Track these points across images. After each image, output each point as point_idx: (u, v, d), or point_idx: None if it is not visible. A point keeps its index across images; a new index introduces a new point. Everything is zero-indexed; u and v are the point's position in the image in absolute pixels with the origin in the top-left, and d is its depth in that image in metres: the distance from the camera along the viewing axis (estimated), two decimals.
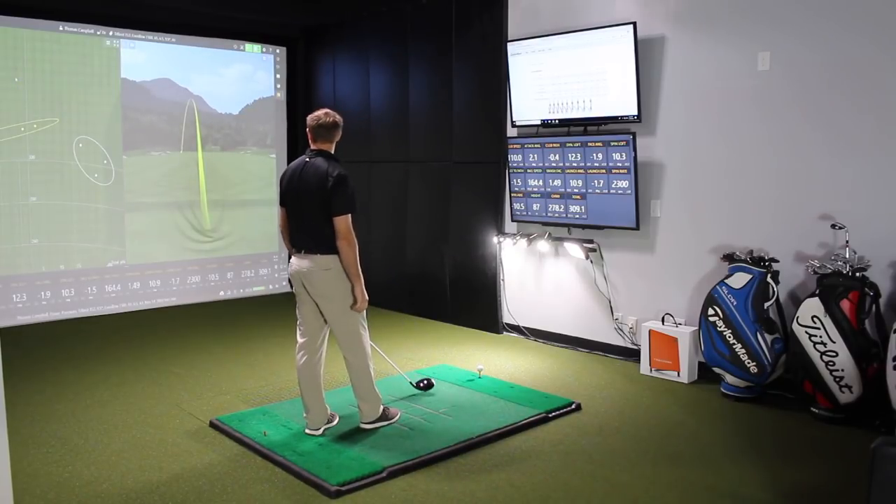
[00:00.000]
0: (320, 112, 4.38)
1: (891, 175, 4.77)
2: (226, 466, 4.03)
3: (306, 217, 4.27)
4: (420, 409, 4.82)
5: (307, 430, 4.41)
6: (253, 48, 8.84)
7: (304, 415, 4.46)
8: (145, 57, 8.02)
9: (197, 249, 8.51)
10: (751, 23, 5.30)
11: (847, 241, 4.76)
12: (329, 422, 4.50)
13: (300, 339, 4.45)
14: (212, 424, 4.62)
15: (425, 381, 5.20)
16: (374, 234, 8.26)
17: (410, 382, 5.18)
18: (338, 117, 4.39)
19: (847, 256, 4.72)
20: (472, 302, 7.27)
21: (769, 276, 5.05)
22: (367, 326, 4.44)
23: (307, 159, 4.33)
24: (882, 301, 4.72)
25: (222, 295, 8.72)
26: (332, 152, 4.37)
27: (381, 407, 4.53)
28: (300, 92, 9.15)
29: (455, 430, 4.46)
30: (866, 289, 4.62)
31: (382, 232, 8.22)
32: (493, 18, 6.87)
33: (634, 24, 5.63)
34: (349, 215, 4.18)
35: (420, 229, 7.81)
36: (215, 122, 8.61)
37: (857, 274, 4.65)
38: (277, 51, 9.04)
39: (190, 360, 6.12)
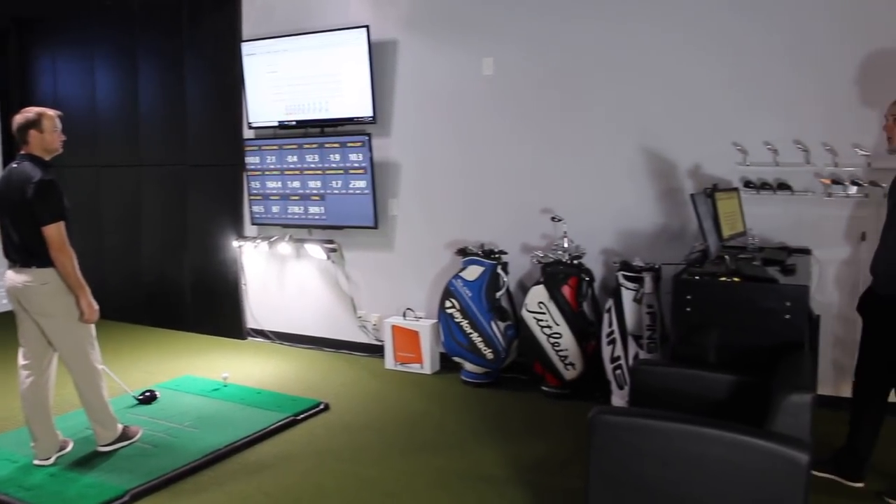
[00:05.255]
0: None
1: (596, 172, 5.32)
2: None
3: (15, 227, 3.90)
4: (163, 425, 4.59)
5: (36, 461, 4.03)
6: None
7: (32, 444, 4.07)
8: None
9: None
10: (475, 29, 5.63)
11: (565, 232, 5.22)
12: (61, 449, 4.15)
13: (23, 361, 4.05)
14: None
15: (148, 393, 5.04)
16: (106, 243, 7.70)
17: (133, 396, 5.00)
18: (29, 116, 3.95)
19: (566, 246, 5.17)
20: (215, 309, 7.03)
21: (499, 267, 5.40)
22: (95, 344, 4.14)
23: (14, 164, 3.97)
24: (596, 285, 5.25)
25: None
26: (39, 154, 3.96)
27: (119, 427, 4.25)
28: (14, 91, 8.23)
29: (201, 442, 4.30)
30: (583, 274, 5.10)
31: (115, 240, 7.68)
32: (226, 17, 6.68)
33: (368, 27, 5.75)
34: (60, 223, 3.85)
35: (156, 236, 7.41)
36: None
37: (575, 261, 5.11)
38: None
39: None
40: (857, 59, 4.57)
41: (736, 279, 3.71)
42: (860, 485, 3.71)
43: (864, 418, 3.74)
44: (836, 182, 4.62)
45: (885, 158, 4.46)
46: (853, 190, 4.58)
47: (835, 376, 4.74)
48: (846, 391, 4.66)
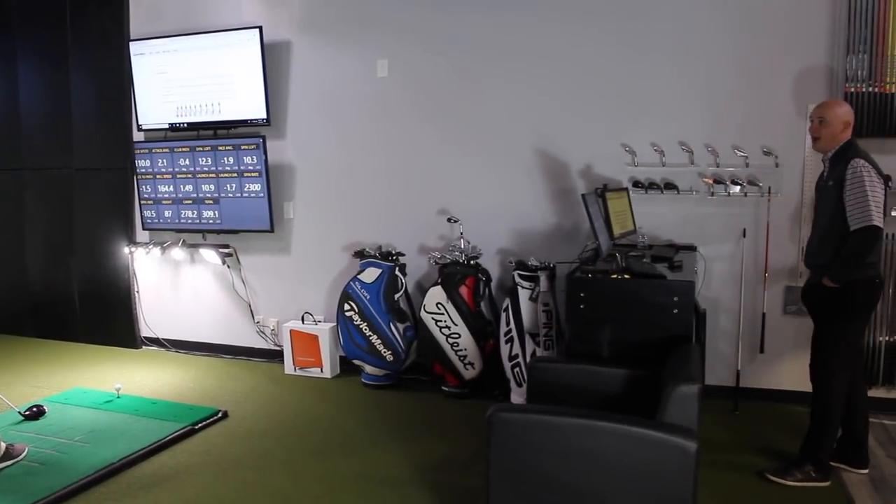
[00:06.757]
0: None
1: (491, 173, 5.41)
2: None
3: None
4: (52, 441, 4.39)
5: None
6: None
7: None
8: None
9: None
10: (370, 32, 5.62)
11: (462, 233, 5.29)
12: None
13: None
14: None
15: (35, 408, 4.80)
16: None
17: (19, 412, 4.76)
18: None
19: (462, 247, 5.23)
20: (106, 317, 6.77)
21: (397, 269, 5.41)
22: None
23: None
24: (493, 284, 5.34)
25: None
26: None
27: (2, 445, 4.04)
28: None
29: (94, 457, 4.13)
30: (480, 275, 5.17)
31: None
32: (113, 16, 6.43)
33: (260, 28, 5.66)
34: None
35: (42, 242, 7.06)
36: None
37: (472, 262, 5.18)
38: None
39: None
40: (737, 64, 4.81)
41: (626, 276, 3.84)
42: (865, 471, 3.82)
43: (849, 403, 3.76)
44: (717, 182, 4.85)
45: (761, 158, 4.73)
46: (734, 189, 4.81)
47: (721, 367, 4.97)
48: (730, 381, 4.91)
